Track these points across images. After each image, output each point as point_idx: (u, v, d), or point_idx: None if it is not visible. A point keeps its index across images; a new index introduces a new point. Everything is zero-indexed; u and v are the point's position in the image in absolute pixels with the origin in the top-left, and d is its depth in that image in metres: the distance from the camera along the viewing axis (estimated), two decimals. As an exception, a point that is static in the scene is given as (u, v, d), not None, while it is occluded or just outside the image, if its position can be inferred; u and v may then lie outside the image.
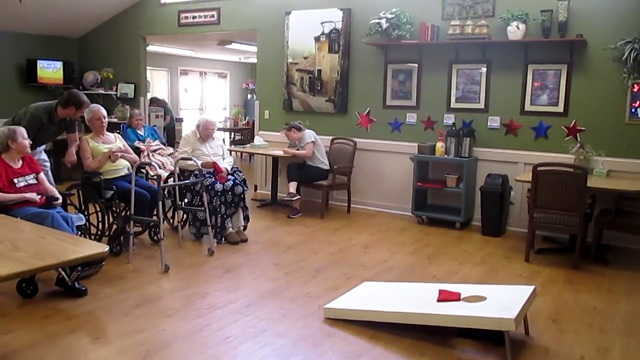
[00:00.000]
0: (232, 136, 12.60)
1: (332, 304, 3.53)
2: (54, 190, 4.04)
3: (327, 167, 6.31)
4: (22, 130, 3.90)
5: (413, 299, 3.42)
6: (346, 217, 6.32)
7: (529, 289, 3.23)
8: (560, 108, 5.48)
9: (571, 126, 5.45)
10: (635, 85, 5.09)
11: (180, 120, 11.44)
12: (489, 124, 5.86)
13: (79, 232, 3.96)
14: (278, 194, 6.89)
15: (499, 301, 3.09)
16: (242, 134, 12.29)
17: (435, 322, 3.09)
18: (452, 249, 5.11)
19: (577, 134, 5.43)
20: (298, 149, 6.35)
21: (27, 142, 3.90)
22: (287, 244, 5.12)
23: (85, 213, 4.57)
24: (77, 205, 4.64)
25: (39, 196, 3.81)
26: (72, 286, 3.62)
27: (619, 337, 3.27)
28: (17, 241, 2.47)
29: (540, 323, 3.42)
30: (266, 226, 5.79)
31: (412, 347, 3.04)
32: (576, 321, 3.49)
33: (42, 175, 4.02)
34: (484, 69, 5.83)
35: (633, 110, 5.15)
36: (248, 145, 7.57)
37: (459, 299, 3.20)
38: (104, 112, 4.74)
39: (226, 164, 5.28)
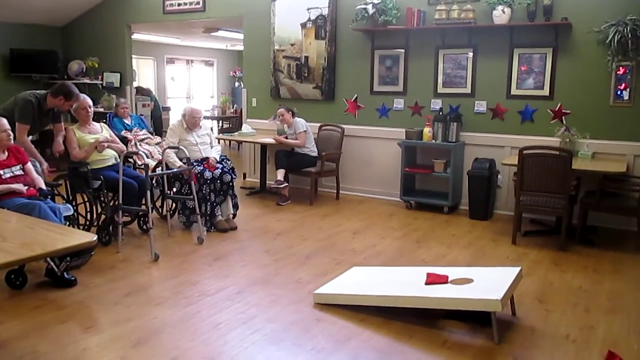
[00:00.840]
0: (220, 124, 12.55)
1: (321, 289, 3.56)
2: (40, 181, 4.01)
3: (315, 154, 6.32)
4: (2, 122, 3.84)
5: (401, 282, 3.46)
6: (335, 204, 6.35)
7: (515, 270, 3.28)
8: (546, 91, 5.52)
9: (557, 109, 5.49)
10: (620, 68, 5.13)
11: (168, 109, 11.36)
12: (475, 108, 5.89)
13: (67, 223, 3.94)
14: (267, 182, 6.89)
15: (486, 283, 3.14)
16: (230, 122, 12.24)
17: (423, 305, 3.14)
18: (440, 233, 5.16)
19: (563, 117, 5.48)
20: (287, 137, 6.35)
21: (7, 134, 3.83)
22: (276, 231, 5.14)
23: (73, 203, 4.55)
24: (65, 196, 4.62)
25: (26, 187, 3.79)
26: (62, 276, 3.61)
27: (604, 316, 3.34)
28: (4, 232, 2.46)
29: (526, 303, 3.48)
30: (255, 214, 5.80)
31: (401, 330, 3.09)
32: (562, 301, 3.55)
33: (29, 165, 3.99)
34: (470, 54, 5.85)
35: (618, 92, 5.19)
36: (236, 133, 7.55)
37: (446, 282, 3.24)
38: (90, 101, 4.71)
39: (215, 152, 5.28)
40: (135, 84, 9.42)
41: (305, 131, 6.23)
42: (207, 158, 5.13)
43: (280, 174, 6.15)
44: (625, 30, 4.90)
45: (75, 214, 4.44)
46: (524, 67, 5.58)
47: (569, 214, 4.65)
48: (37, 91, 4.64)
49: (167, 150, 4.94)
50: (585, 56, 5.30)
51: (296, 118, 6.31)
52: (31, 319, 3.17)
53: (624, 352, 2.82)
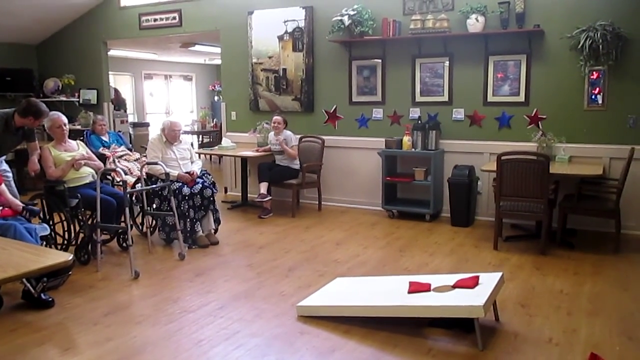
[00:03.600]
0: (201, 139, 12.48)
1: (305, 302, 3.53)
2: (16, 202, 3.94)
3: (297, 166, 6.32)
4: None
5: (385, 292, 3.45)
6: (317, 215, 6.34)
7: (497, 275, 3.29)
8: (521, 98, 5.59)
9: (533, 115, 5.56)
10: (593, 73, 5.22)
11: (147, 125, 11.28)
12: (453, 116, 5.95)
13: (44, 243, 3.87)
14: (248, 195, 6.86)
15: (468, 289, 3.14)
16: (210, 136, 12.18)
17: (407, 314, 3.13)
18: (423, 241, 5.16)
19: (539, 122, 5.55)
20: (270, 148, 6.37)
21: None
22: (259, 245, 5.10)
23: (50, 223, 4.48)
24: (41, 215, 4.53)
25: (0, 208, 3.71)
26: (38, 298, 3.53)
27: (585, 318, 3.36)
28: (-23, 254, 2.40)
29: (509, 308, 3.49)
30: (237, 228, 5.76)
31: (386, 340, 3.07)
32: (544, 305, 3.57)
33: (2, 187, 3.92)
34: (447, 62, 5.91)
35: (592, 97, 5.28)
36: (216, 147, 7.51)
37: (429, 290, 3.24)
38: (65, 119, 4.64)
39: (195, 167, 5.23)
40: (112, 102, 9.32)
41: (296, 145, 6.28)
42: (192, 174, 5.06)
43: (264, 187, 6.12)
44: (595, 35, 5.00)
45: (53, 233, 4.36)
46: (500, 74, 5.66)
47: (548, 218, 4.69)
48: (3, 110, 4.51)
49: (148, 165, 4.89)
50: (558, 62, 5.38)
51: (285, 130, 6.31)
52: (7, 342, 3.09)
53: (606, 354, 2.83)
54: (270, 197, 6.16)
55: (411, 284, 3.35)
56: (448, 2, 5.79)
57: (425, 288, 3.26)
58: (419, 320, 3.18)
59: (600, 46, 5.01)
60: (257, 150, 6.37)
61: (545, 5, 5.35)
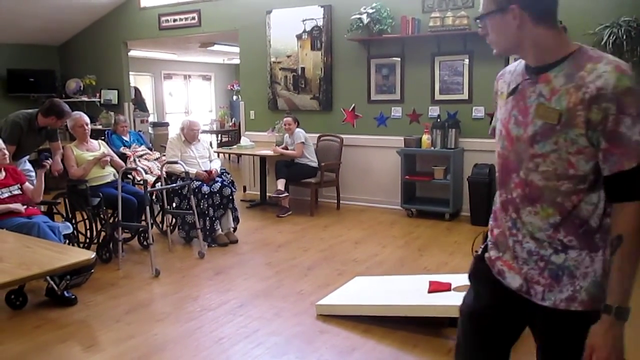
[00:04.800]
0: (220, 138, 12.56)
1: (324, 301, 3.53)
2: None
3: (315, 164, 6.31)
4: None
5: (404, 291, 3.43)
6: (336, 214, 6.33)
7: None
8: (543, 95, 5.51)
9: (554, 113, 5.48)
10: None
11: (166, 124, 11.38)
12: (473, 114, 5.89)
13: (67, 241, 3.93)
14: (267, 194, 6.88)
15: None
16: (229, 136, 12.25)
17: (426, 314, 3.11)
18: (442, 240, 5.13)
19: (561, 120, 5.46)
20: (287, 147, 6.34)
21: (2, 153, 3.82)
22: (277, 243, 5.11)
23: (73, 221, 4.54)
24: (64, 214, 4.60)
25: (24, 206, 3.78)
26: (62, 295, 3.59)
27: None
28: (2, 252, 2.44)
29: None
30: (256, 226, 5.78)
31: (405, 339, 3.05)
32: (566, 305, 3.52)
33: (27, 185, 3.98)
34: (467, 60, 5.86)
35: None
36: (235, 146, 7.55)
37: (449, 289, 3.21)
38: (87, 119, 4.71)
39: (216, 165, 5.27)
40: (132, 102, 9.43)
41: (303, 142, 6.22)
42: (211, 172, 5.10)
43: (281, 183, 6.13)
44: (619, 31, 4.91)
45: (75, 231, 4.42)
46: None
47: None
48: (28, 110, 4.61)
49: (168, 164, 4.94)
50: (581, 59, 5.29)
51: (297, 129, 6.31)
52: (31, 339, 3.14)
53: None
54: (287, 194, 6.16)
55: (431, 283, 3.33)
56: (468, -1, 5.74)
57: (445, 287, 3.23)
58: (438, 320, 3.16)
59: (625, 42, 4.91)
60: (274, 151, 6.37)
61: (567, 1, 5.26)
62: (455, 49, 5.88)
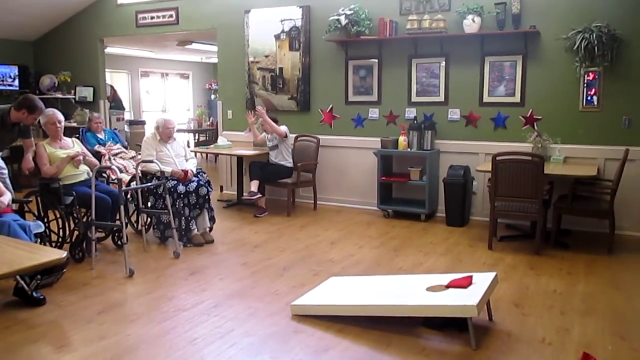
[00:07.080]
0: (197, 137, 12.47)
1: (299, 301, 3.53)
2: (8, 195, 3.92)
3: (290, 164, 6.31)
4: None
5: (379, 291, 3.46)
6: (312, 214, 6.34)
7: (490, 275, 3.30)
8: (517, 98, 5.61)
9: (528, 115, 5.58)
10: (589, 74, 5.24)
11: (143, 122, 11.26)
12: (449, 116, 5.96)
13: (38, 240, 3.86)
14: (244, 194, 6.85)
15: (461, 289, 3.15)
16: (207, 135, 12.18)
17: (400, 313, 3.14)
18: (418, 241, 5.18)
19: (534, 123, 5.56)
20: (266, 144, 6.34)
21: None
22: (253, 243, 5.10)
23: (45, 220, 4.47)
24: (36, 213, 4.52)
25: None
26: (31, 295, 3.53)
27: (578, 318, 3.37)
28: (-30, 251, 2.40)
29: (503, 308, 3.50)
30: (232, 226, 5.76)
31: (379, 339, 3.08)
32: (537, 304, 3.58)
33: (-4, 183, 3.91)
34: (443, 63, 5.92)
35: (588, 98, 5.29)
36: (212, 145, 7.50)
37: (470, 284, 3.19)
38: (60, 116, 4.63)
39: (191, 165, 5.23)
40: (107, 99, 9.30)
41: (286, 132, 6.22)
42: (187, 172, 5.06)
43: (254, 185, 6.10)
44: (591, 36, 5.02)
45: (47, 230, 4.35)
46: (495, 74, 5.67)
47: (543, 218, 4.71)
48: (1, 106, 4.53)
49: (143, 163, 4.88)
50: (554, 63, 5.40)
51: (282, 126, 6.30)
52: (1, 339, 3.08)
53: (598, 353, 2.85)
54: (261, 195, 6.15)
55: (451, 282, 3.29)
56: (445, 3, 5.80)
57: (466, 283, 3.17)
58: (412, 320, 3.19)
59: (596, 47, 5.02)
60: (258, 110, 6.25)
61: (541, 6, 5.36)
62: (431, 51, 5.94)
